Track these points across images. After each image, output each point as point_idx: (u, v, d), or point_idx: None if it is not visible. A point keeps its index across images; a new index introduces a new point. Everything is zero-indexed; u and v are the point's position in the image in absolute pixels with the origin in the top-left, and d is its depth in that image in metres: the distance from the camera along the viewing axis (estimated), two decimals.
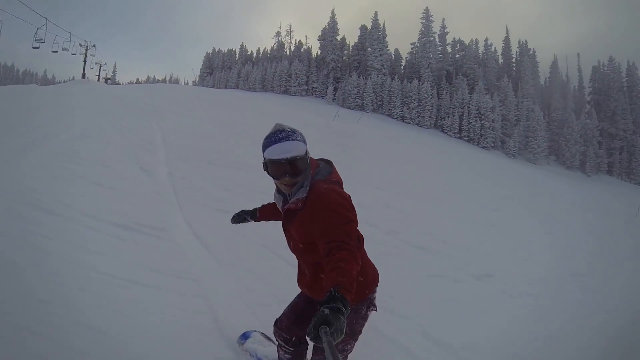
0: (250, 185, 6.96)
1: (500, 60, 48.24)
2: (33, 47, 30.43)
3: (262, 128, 7.49)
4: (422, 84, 40.02)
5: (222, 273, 3.76)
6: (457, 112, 38.44)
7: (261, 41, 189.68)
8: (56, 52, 32.90)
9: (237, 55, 56.43)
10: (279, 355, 2.29)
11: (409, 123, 38.84)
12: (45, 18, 29.44)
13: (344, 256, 1.53)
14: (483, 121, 37.65)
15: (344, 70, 46.44)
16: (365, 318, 1.99)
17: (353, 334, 1.95)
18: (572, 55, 71.64)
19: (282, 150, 1.76)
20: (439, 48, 45.11)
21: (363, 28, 47.30)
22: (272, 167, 1.81)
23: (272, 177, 1.86)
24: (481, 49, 47.39)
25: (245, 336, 2.68)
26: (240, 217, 2.49)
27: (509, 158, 36.60)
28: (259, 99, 36.84)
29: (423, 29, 44.09)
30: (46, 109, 14.01)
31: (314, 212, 1.73)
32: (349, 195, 1.83)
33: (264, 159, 1.82)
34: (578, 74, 48.37)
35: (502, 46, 48.80)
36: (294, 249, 2.01)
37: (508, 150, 37.72)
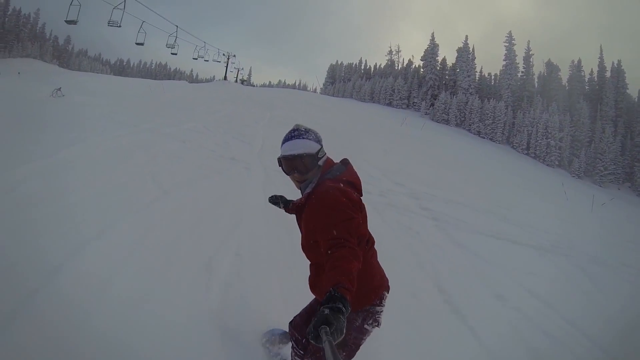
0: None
1: (594, 82, 51.21)
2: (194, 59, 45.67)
3: (327, 121, 21.55)
4: (498, 103, 47.13)
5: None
6: (527, 130, 44.85)
7: (379, 57, 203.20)
8: (207, 61, 49.07)
9: (355, 69, 68.65)
10: (291, 357, 2.31)
11: (484, 138, 46.62)
12: (204, 42, 45.59)
13: (344, 254, 1.55)
14: (549, 139, 43.48)
15: (441, 88, 55.09)
16: (361, 331, 1.91)
17: (342, 344, 1.82)
18: None
19: (292, 148, 1.93)
20: (523, 69, 50.90)
21: (460, 50, 55.26)
22: (283, 163, 1.98)
23: (285, 173, 2.02)
24: (569, 70, 51.73)
25: (271, 333, 2.76)
26: (275, 200, 2.48)
27: (572, 177, 40.46)
28: (358, 106, 47.76)
29: (506, 51, 50.83)
30: (204, 98, 26.02)
31: (315, 208, 1.82)
32: (357, 196, 1.90)
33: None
34: None
35: (598, 69, 51.68)
36: (301, 246, 2.05)
37: (573, 170, 42.15)
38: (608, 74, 50.07)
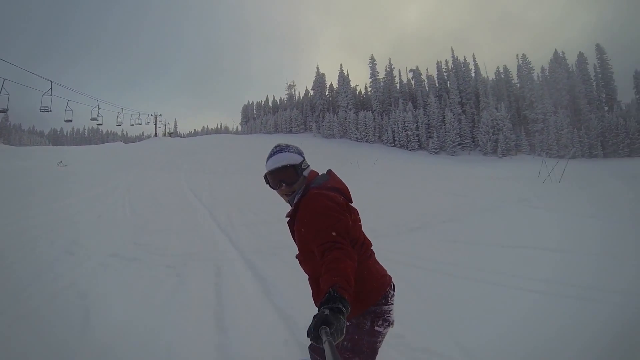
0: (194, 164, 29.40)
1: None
2: (117, 125, 53.28)
3: (226, 151, 41.39)
4: (366, 113, 57.49)
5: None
6: (391, 127, 54.99)
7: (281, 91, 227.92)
8: (140, 124, 56.85)
9: (262, 106, 78.74)
10: None
11: (361, 142, 56.50)
12: (139, 112, 54.32)
13: (337, 255, 1.57)
14: (407, 131, 53.63)
15: (329, 109, 65.32)
16: (373, 334, 1.88)
17: (357, 351, 1.87)
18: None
19: (275, 162, 1.99)
20: (386, 82, 61.76)
21: (339, 75, 66.00)
22: (270, 178, 2.02)
23: (273, 189, 2.05)
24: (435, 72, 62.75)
25: None
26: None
27: (430, 155, 51.37)
28: (260, 139, 57.51)
29: (370, 71, 61.80)
30: (147, 153, 37.66)
31: (303, 217, 1.84)
32: (343, 199, 1.93)
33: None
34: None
35: (452, 66, 62.54)
36: (298, 261, 2.06)
37: (430, 149, 52.48)
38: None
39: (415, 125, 54.11)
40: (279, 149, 2.03)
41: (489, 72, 62.30)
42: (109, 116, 42.48)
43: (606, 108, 55.47)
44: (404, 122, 54.47)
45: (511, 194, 12.19)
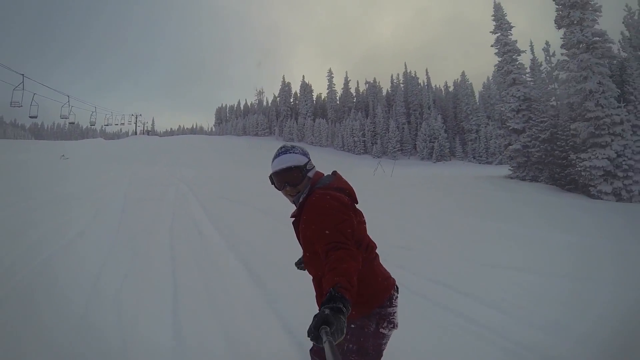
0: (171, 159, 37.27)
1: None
2: (106, 125, 59.72)
3: (198, 150, 51.66)
4: (321, 120, 64.48)
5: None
6: (341, 134, 61.94)
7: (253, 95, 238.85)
8: (124, 124, 63.16)
9: (234, 109, 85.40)
10: None
11: (315, 145, 63.25)
12: (123, 114, 60.71)
13: (341, 255, 1.58)
14: (355, 137, 60.59)
15: (292, 115, 72.09)
16: (377, 336, 1.90)
17: (363, 353, 1.86)
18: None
19: (280, 163, 1.95)
20: (343, 93, 68.89)
21: (301, 85, 72.91)
22: (275, 179, 1.99)
23: (278, 189, 2.03)
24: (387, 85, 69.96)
25: None
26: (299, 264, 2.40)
27: (373, 158, 58.00)
28: (229, 140, 64.90)
29: (328, 83, 69.00)
30: (130, 149, 45.71)
31: (308, 217, 1.83)
32: (348, 199, 1.92)
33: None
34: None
35: (403, 79, 69.86)
36: (304, 262, 2.05)
37: (374, 153, 59.46)
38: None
39: (362, 132, 61.03)
40: (283, 150, 2.01)
41: (443, 85, 69.16)
42: (95, 117, 48.05)
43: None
44: (352, 129, 61.37)
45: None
